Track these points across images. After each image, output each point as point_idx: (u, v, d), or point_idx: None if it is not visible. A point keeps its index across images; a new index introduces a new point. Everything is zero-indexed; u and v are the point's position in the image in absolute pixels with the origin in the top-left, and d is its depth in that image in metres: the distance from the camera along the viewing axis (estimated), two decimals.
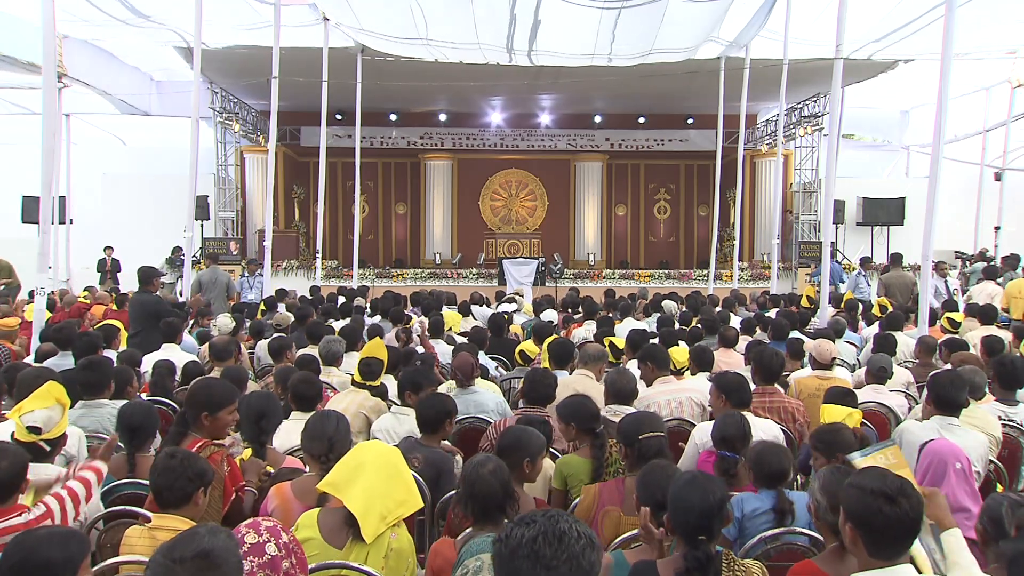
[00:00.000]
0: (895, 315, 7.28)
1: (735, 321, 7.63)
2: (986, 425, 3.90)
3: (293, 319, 7.56)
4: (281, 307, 9.03)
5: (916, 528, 1.98)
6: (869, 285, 11.99)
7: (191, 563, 1.57)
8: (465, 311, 8.76)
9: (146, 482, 2.78)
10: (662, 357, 4.68)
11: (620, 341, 5.32)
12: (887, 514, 1.94)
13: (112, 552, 2.62)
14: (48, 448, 3.00)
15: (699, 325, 7.19)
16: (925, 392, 3.89)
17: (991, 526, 2.23)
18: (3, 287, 9.77)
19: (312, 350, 5.59)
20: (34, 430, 2.93)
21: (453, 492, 3.08)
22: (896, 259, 10.31)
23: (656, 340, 5.74)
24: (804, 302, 9.51)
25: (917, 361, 5.97)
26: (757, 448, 2.99)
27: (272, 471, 3.21)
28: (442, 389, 4.68)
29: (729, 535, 2.76)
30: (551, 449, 3.78)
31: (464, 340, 6.41)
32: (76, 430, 3.27)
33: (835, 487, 2.34)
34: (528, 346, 5.73)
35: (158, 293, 7.30)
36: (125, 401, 4.04)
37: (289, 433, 3.80)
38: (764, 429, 3.72)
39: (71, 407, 3.83)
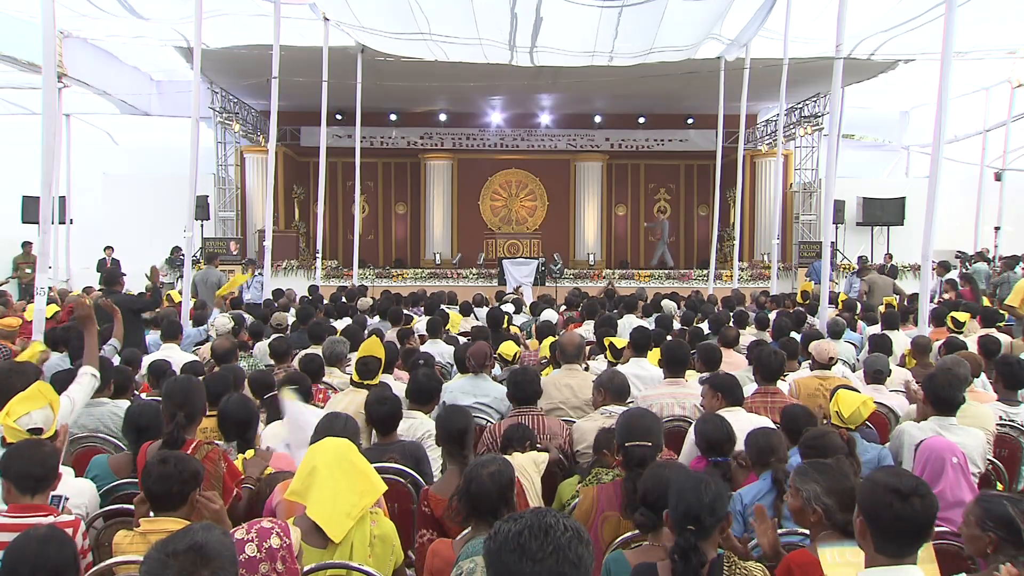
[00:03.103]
0: (892, 314, 7.29)
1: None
2: (980, 420, 3.91)
3: (292, 319, 7.55)
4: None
5: (927, 529, 1.98)
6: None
7: (184, 556, 1.58)
8: (467, 311, 8.77)
9: None
10: (676, 357, 4.62)
11: (620, 341, 5.32)
12: (897, 510, 1.95)
13: (109, 550, 2.62)
14: None
15: (700, 325, 7.20)
16: (922, 392, 3.91)
17: (1002, 530, 2.16)
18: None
19: (314, 350, 5.59)
20: (36, 431, 2.94)
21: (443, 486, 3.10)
22: (863, 260, 11.66)
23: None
24: (799, 298, 9.52)
25: (914, 360, 5.98)
26: (748, 433, 3.09)
27: (273, 471, 3.22)
28: (455, 380, 4.73)
29: (735, 533, 2.76)
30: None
31: (464, 340, 6.42)
32: (89, 487, 3.09)
33: (839, 486, 2.36)
34: (506, 348, 5.63)
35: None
36: (126, 400, 4.05)
37: (285, 433, 3.81)
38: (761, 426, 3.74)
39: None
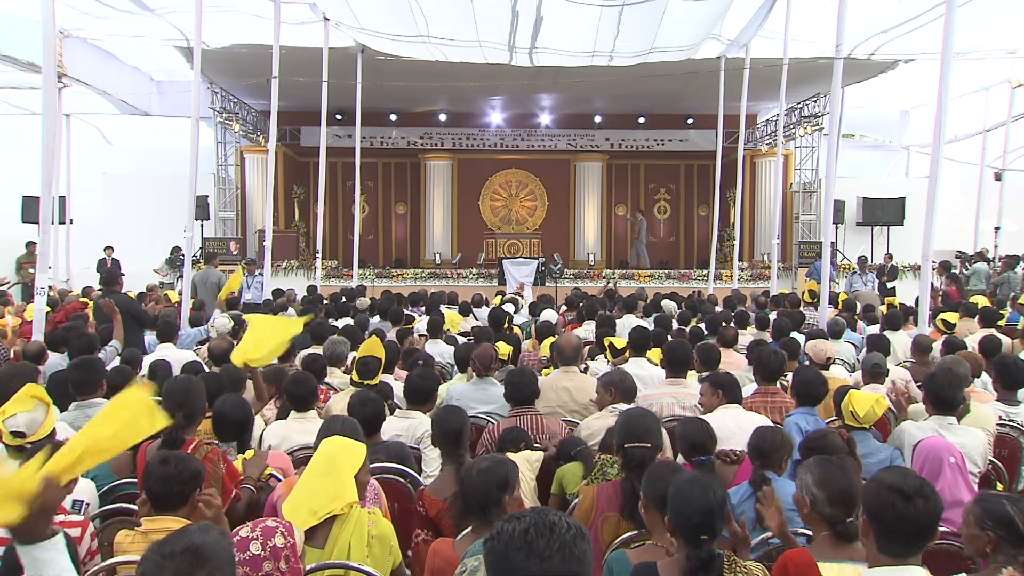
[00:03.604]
0: (894, 314, 7.29)
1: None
2: (979, 420, 3.91)
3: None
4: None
5: (930, 531, 1.97)
6: (866, 286, 12.06)
7: (181, 557, 1.57)
8: (466, 311, 8.77)
9: None
10: (677, 357, 4.63)
11: (620, 341, 5.32)
12: (900, 511, 1.95)
13: (109, 550, 2.63)
14: (30, 447, 3.00)
15: (699, 325, 7.19)
16: (923, 392, 3.91)
17: (1001, 529, 2.15)
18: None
19: (316, 350, 5.58)
20: (18, 435, 2.93)
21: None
22: (863, 261, 13.17)
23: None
24: (806, 296, 9.52)
25: (914, 360, 5.99)
26: (758, 429, 3.09)
27: (274, 473, 3.22)
28: (456, 381, 4.71)
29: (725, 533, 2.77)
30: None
31: (464, 340, 6.41)
32: (90, 487, 3.06)
33: (831, 479, 2.36)
34: (501, 348, 5.66)
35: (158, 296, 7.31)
36: None
37: (288, 432, 3.81)
38: (760, 424, 3.75)
39: (67, 408, 3.84)
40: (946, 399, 3.66)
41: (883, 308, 8.33)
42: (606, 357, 5.47)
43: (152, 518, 2.50)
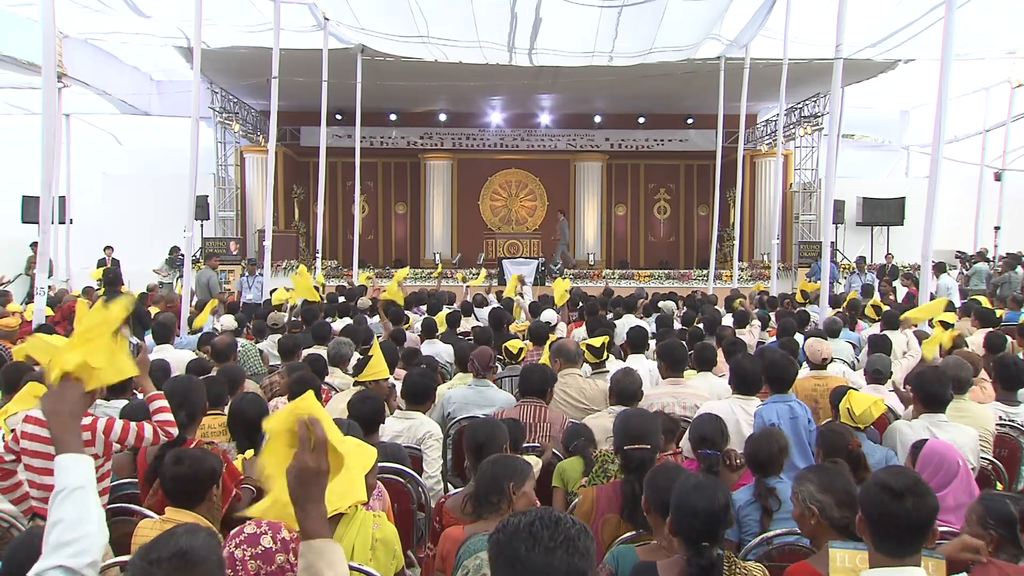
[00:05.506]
0: (891, 314, 7.27)
1: (728, 320, 7.69)
2: (979, 420, 3.90)
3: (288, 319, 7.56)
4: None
5: (923, 529, 1.96)
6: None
7: (167, 563, 1.54)
8: (467, 311, 8.77)
9: None
10: (675, 357, 4.61)
11: (596, 341, 5.25)
12: (890, 509, 1.94)
13: (116, 546, 2.62)
14: None
15: (699, 326, 7.19)
16: (912, 392, 3.90)
17: (1003, 528, 2.16)
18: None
19: (318, 350, 5.58)
20: None
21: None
22: (863, 261, 13.09)
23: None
24: (799, 296, 9.52)
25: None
26: (752, 436, 3.10)
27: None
28: (456, 381, 4.70)
29: (731, 535, 2.76)
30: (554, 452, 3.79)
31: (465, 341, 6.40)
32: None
33: (834, 483, 2.36)
34: (513, 344, 5.65)
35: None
36: (124, 401, 4.04)
37: None
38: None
39: None
40: (935, 396, 3.64)
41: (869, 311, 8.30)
42: (587, 361, 5.33)
43: (175, 508, 2.52)
